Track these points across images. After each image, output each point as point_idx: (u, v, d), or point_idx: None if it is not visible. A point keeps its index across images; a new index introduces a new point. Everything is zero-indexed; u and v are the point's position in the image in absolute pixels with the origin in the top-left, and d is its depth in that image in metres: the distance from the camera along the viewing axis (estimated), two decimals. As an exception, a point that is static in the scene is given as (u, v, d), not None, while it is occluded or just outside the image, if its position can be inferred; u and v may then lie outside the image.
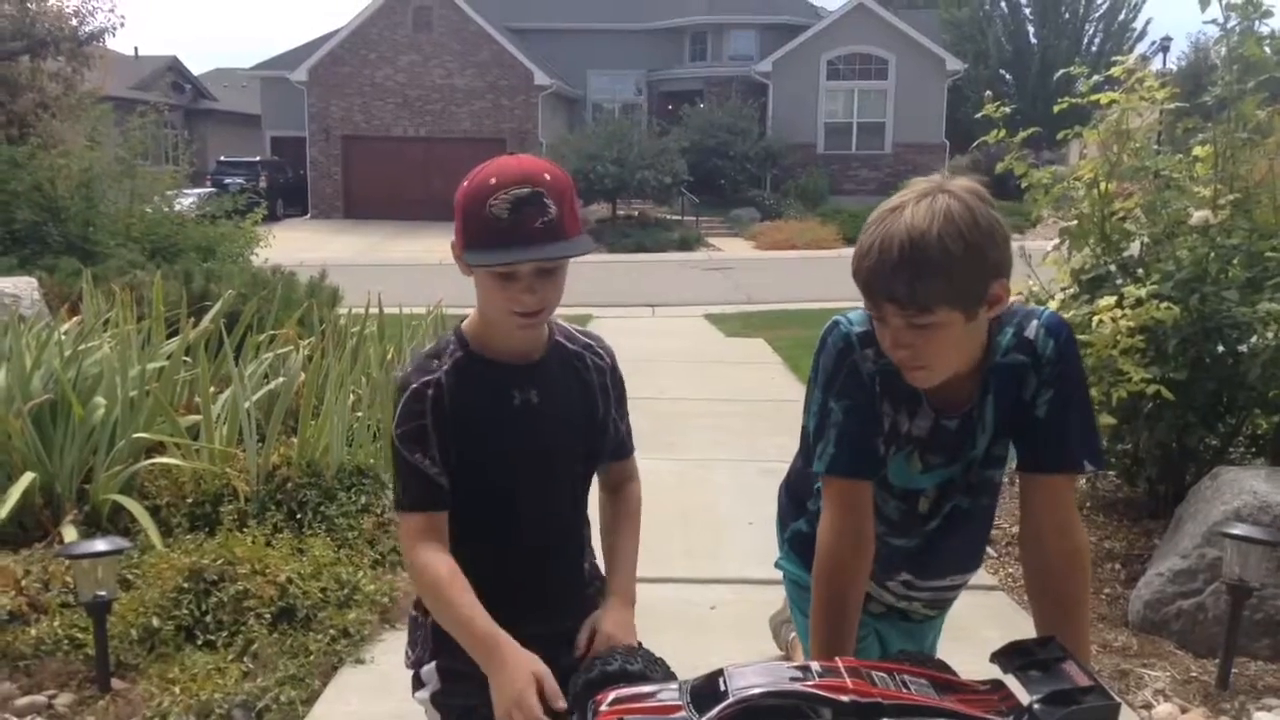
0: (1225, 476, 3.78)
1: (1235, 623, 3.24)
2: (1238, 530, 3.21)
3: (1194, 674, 3.38)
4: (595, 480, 2.04)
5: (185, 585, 3.52)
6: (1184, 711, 3.15)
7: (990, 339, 1.77)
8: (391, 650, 3.54)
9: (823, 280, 15.85)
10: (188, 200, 13.39)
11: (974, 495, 1.89)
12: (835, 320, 1.83)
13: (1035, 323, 1.78)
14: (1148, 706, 3.20)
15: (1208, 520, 3.58)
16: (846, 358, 1.80)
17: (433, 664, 1.94)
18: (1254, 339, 4.07)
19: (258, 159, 30.67)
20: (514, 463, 1.87)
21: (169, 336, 5.33)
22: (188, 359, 4.97)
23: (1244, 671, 3.34)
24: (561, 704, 1.62)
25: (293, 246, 16.43)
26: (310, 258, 11.85)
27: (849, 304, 1.83)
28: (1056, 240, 4.69)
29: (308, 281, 7.22)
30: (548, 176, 1.73)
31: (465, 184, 1.75)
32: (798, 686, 1.36)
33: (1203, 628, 3.52)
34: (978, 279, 1.62)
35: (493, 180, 1.71)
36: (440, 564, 1.78)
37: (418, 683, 1.99)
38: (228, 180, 24.42)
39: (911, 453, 1.84)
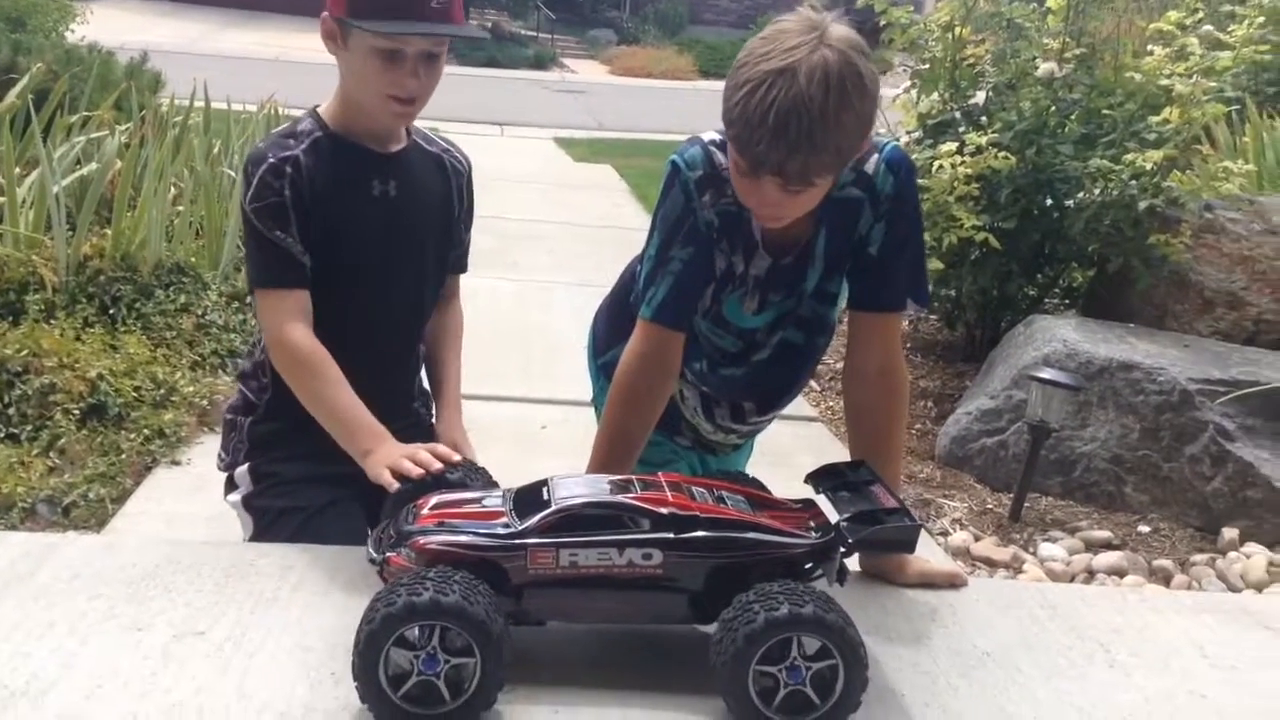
0: (1038, 324, 3.97)
1: (1033, 460, 3.45)
2: (1045, 374, 3.38)
3: (990, 506, 3.61)
4: None
5: (-14, 376, 3.33)
6: (977, 540, 3.36)
7: None
8: (209, 453, 3.42)
9: (676, 111, 15.67)
10: (-7, -36, 12.16)
11: (806, 330, 1.89)
12: (673, 163, 1.74)
13: (876, 157, 1.72)
14: (945, 534, 3.40)
15: (1018, 364, 3.77)
16: (688, 206, 1.74)
17: (246, 466, 1.89)
18: (1081, 194, 4.23)
19: (75, -75, 28.00)
20: (369, 254, 1.81)
21: (-31, 111, 4.88)
22: (-10, 136, 4.58)
23: (1035, 506, 3.58)
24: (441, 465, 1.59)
25: (112, 26, 15.15)
26: (132, 40, 10.95)
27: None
28: (908, 84, 4.72)
29: (127, 63, 6.68)
30: None
31: None
32: (619, 498, 1.38)
33: (1002, 464, 3.74)
34: (858, 143, 1.58)
35: None
36: (313, 345, 1.72)
37: (230, 485, 1.94)
38: (40, -53, 22.25)
39: (745, 294, 1.82)
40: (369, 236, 1.80)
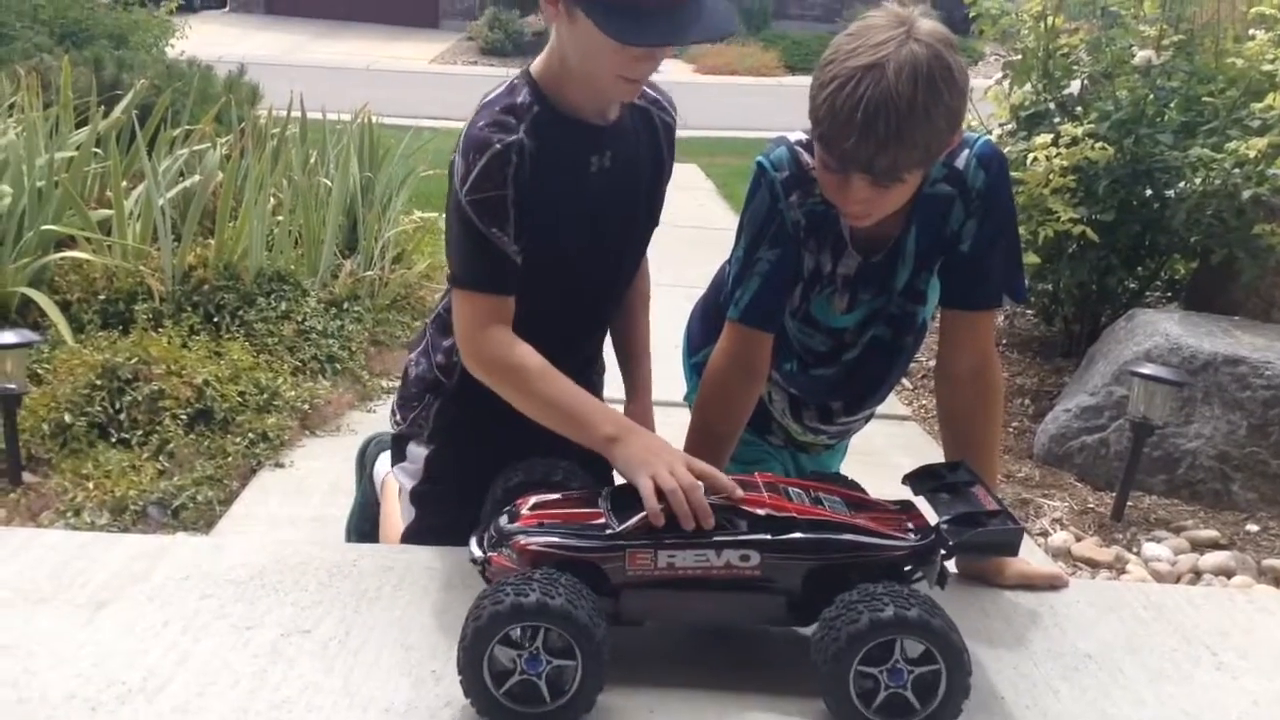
0: (1140, 318, 3.87)
1: (1135, 458, 3.36)
2: (1146, 370, 3.29)
3: (1091, 505, 3.52)
4: None
5: (98, 382, 3.45)
6: (1078, 540, 3.29)
7: None
8: (312, 456, 3.55)
9: (762, 108, 15.62)
10: (98, -16, 12.61)
11: (895, 328, 1.87)
12: (759, 164, 1.75)
13: (967, 152, 1.70)
14: (1045, 534, 3.33)
15: (1119, 360, 3.67)
16: (774, 207, 1.73)
17: (425, 450, 1.84)
18: (1182, 184, 4.10)
19: (174, -56, 28.84)
20: (580, 233, 1.71)
21: (78, 126, 5.07)
22: (98, 150, 4.76)
23: (1138, 505, 3.48)
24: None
25: (210, 41, 15.62)
26: (228, 53, 11.31)
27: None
28: (1000, 75, 4.64)
29: (225, 77, 6.88)
30: None
31: None
32: (717, 500, 1.38)
33: (1103, 462, 3.65)
34: (947, 138, 1.57)
35: None
36: (517, 348, 1.59)
37: (399, 451, 1.89)
38: (142, -34, 22.97)
39: (834, 293, 1.81)
40: (583, 215, 1.69)
